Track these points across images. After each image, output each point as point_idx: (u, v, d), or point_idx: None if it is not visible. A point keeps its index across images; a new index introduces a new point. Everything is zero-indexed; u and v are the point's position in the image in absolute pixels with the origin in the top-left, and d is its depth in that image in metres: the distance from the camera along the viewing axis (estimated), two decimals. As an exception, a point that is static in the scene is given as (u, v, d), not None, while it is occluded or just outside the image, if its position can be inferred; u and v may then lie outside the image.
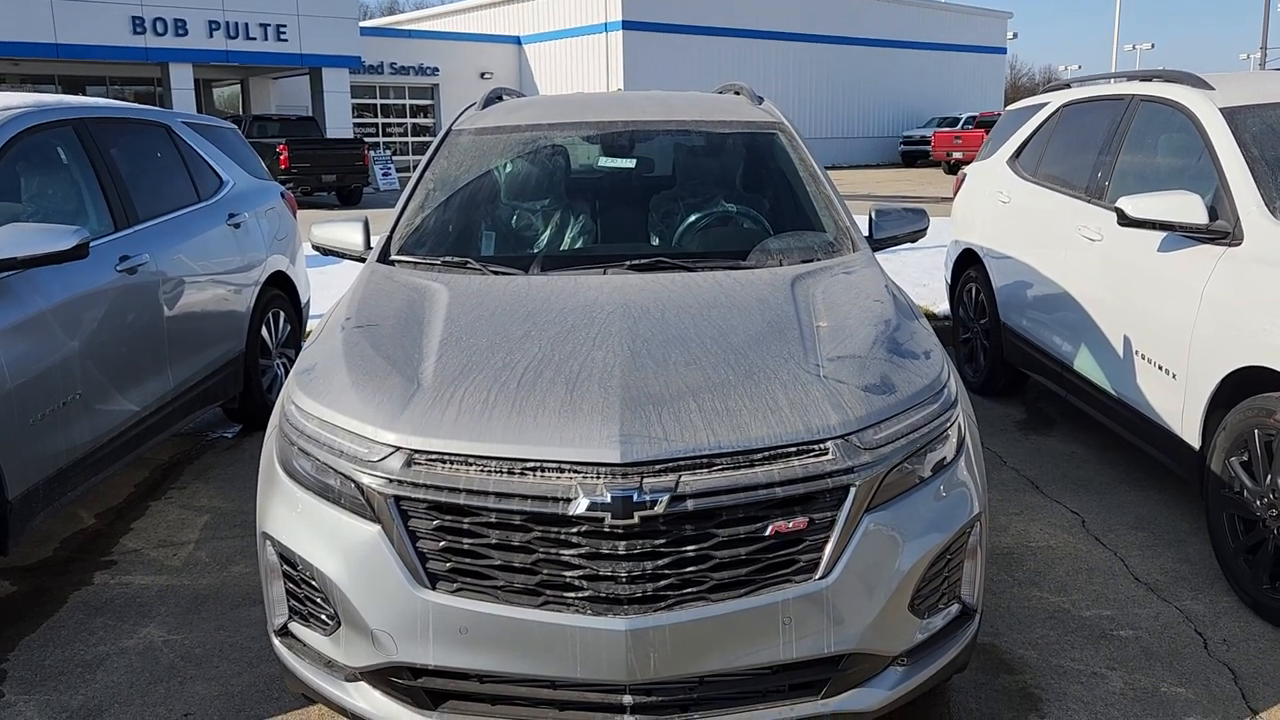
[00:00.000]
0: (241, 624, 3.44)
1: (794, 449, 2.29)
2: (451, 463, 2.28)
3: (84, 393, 3.79)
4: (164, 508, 4.52)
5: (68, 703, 3.00)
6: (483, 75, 34.40)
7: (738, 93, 4.59)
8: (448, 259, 3.40)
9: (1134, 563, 3.81)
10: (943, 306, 7.54)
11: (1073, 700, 2.92)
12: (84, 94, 26.01)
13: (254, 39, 26.84)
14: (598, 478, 2.20)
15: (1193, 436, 3.75)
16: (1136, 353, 4.15)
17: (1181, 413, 3.82)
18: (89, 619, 3.50)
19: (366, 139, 26.63)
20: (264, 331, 5.61)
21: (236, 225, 5.35)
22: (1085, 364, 4.64)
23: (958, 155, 28.67)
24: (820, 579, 2.27)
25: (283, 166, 19.92)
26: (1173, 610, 3.45)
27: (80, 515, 4.43)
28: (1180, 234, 3.90)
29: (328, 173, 20.89)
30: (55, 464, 3.63)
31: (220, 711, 2.94)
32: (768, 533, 2.25)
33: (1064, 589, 3.60)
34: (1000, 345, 5.73)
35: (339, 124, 28.39)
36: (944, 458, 2.51)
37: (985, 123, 29.07)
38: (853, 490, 2.29)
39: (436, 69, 34.12)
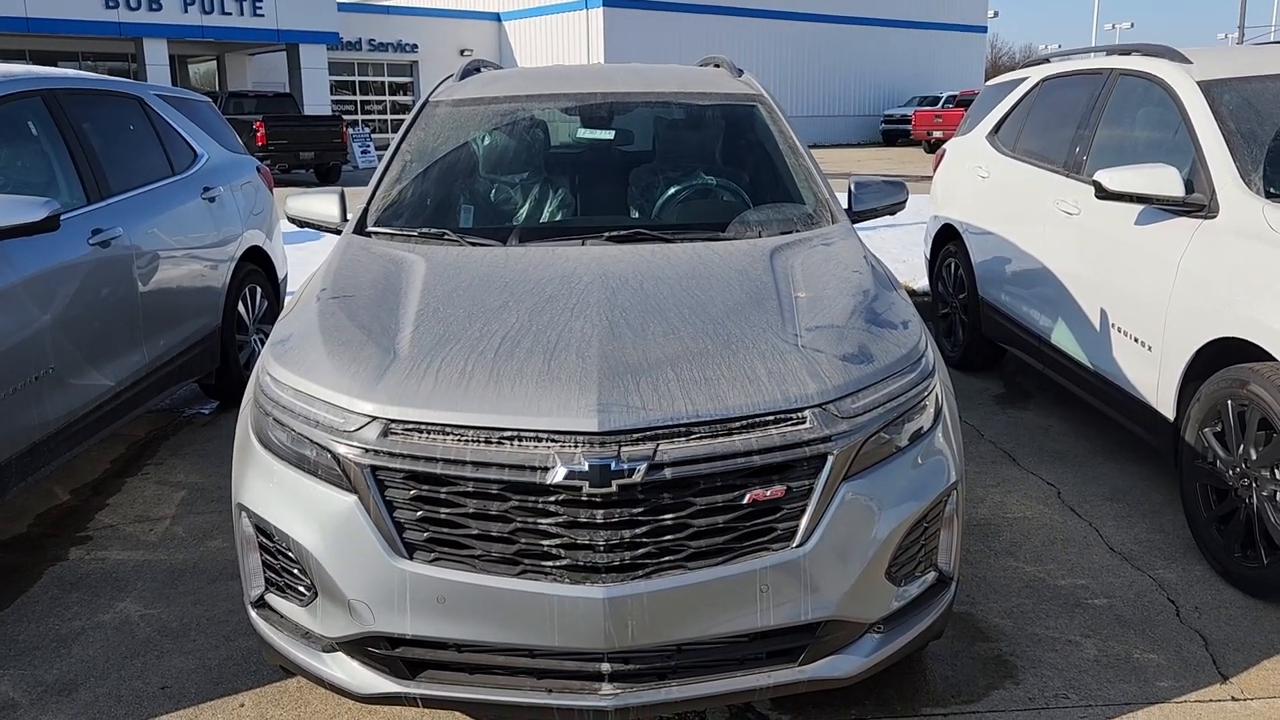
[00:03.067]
0: (219, 598, 3.42)
1: (772, 418, 2.29)
2: (428, 432, 2.27)
3: (56, 367, 3.75)
4: (140, 483, 4.49)
5: (43, 677, 2.98)
6: (462, 52, 34.07)
7: (718, 65, 4.56)
8: (425, 230, 3.38)
9: (1108, 533, 3.85)
10: (922, 282, 7.56)
11: (1047, 667, 2.96)
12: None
13: (229, 14, 26.43)
14: (575, 446, 2.20)
15: (1167, 408, 3.78)
16: (1113, 326, 4.17)
17: (1157, 385, 3.84)
18: (64, 594, 3.47)
19: (345, 116, 26.36)
20: (240, 307, 5.56)
21: (211, 199, 5.29)
22: (1062, 338, 4.66)
23: (938, 134, 28.68)
24: (797, 547, 2.28)
25: (259, 144, 19.69)
26: (1146, 579, 3.48)
27: (55, 491, 4.39)
28: (1157, 207, 3.92)
29: (306, 150, 20.68)
30: (27, 439, 3.59)
31: (197, 684, 2.93)
32: (745, 501, 2.26)
33: (1039, 559, 3.63)
34: (979, 320, 5.75)
35: (317, 101, 28.06)
36: (921, 427, 2.52)
37: (965, 101, 29.06)
38: (830, 459, 2.30)
39: (415, 45, 33.75)
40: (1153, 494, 4.21)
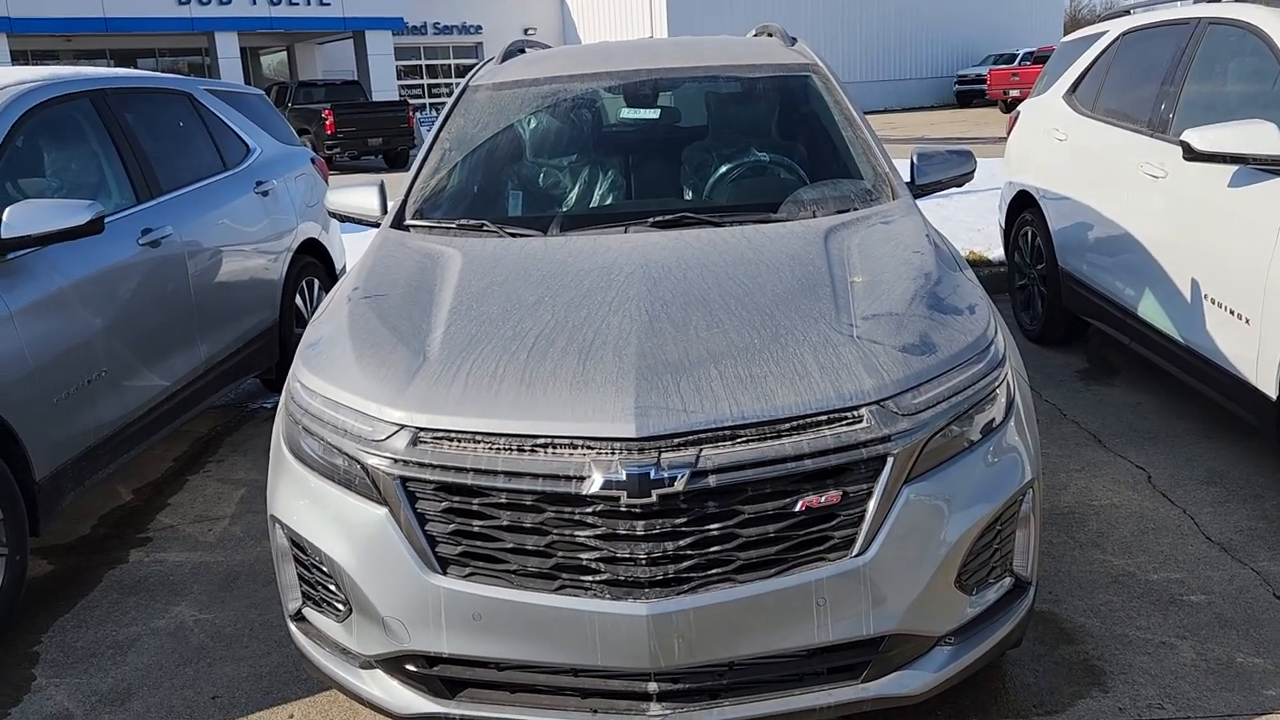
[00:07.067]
0: (273, 601, 3.37)
1: (825, 417, 2.12)
2: (458, 440, 2.15)
3: (109, 370, 3.74)
4: (201, 481, 4.49)
5: (97, 686, 2.97)
6: (526, 31, 33.97)
7: (770, 35, 4.34)
8: (464, 222, 3.25)
9: (1205, 521, 3.57)
10: (998, 252, 7.24)
11: (1139, 673, 2.73)
12: (135, 67, 26.24)
13: (296, 4, 26.78)
14: (612, 454, 2.06)
15: (1269, 385, 3.49)
16: (1206, 297, 3.87)
17: (1256, 360, 3.55)
18: (122, 598, 3.47)
19: (413, 100, 26.52)
20: (298, 300, 5.54)
21: (265, 193, 5.26)
22: (1150, 310, 4.36)
23: (1015, 93, 27.73)
24: (857, 556, 2.11)
25: (329, 131, 19.94)
26: (1248, 572, 3.22)
27: (118, 491, 4.42)
28: (1254, 167, 3.61)
29: (374, 136, 20.84)
30: (84, 443, 3.59)
31: (247, 694, 2.88)
32: (798, 508, 2.10)
33: (1129, 551, 3.39)
34: (1058, 292, 5.44)
35: (384, 87, 28.30)
36: (992, 420, 2.32)
37: (1043, 58, 27.95)
38: (890, 460, 2.12)
39: (480, 26, 33.81)
40: (1254, 477, 3.90)
